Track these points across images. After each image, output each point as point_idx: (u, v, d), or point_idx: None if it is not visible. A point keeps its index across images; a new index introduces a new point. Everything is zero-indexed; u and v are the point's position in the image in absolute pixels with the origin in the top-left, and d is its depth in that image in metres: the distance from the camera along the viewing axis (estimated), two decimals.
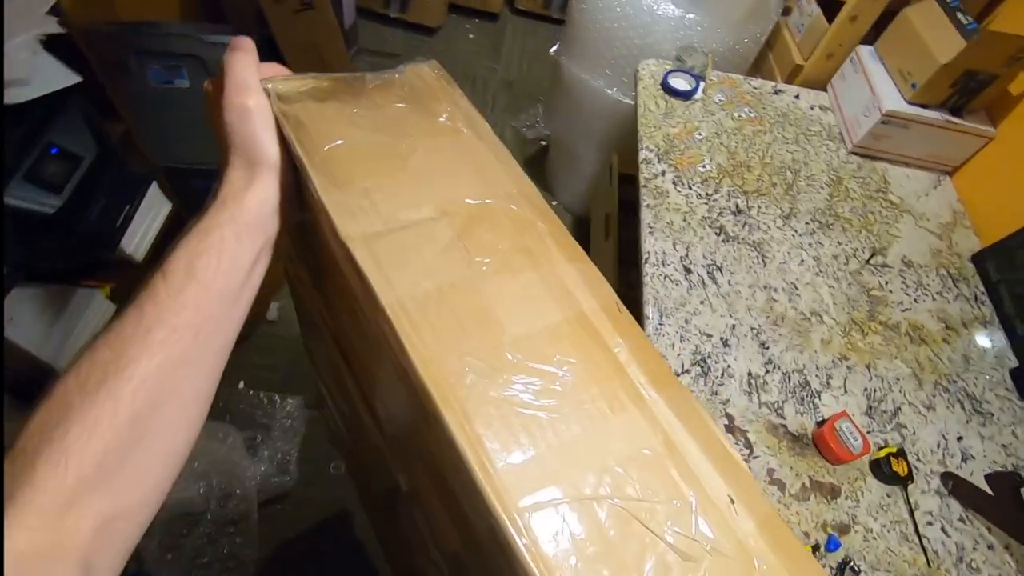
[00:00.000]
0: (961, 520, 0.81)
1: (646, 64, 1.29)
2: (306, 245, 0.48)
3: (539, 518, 0.28)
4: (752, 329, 0.93)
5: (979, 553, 0.79)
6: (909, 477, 0.81)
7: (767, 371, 0.89)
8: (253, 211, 0.37)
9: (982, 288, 1.04)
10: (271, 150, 0.38)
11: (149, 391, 0.31)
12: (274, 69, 0.41)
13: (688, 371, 0.87)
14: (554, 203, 1.95)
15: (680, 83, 1.24)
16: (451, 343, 0.32)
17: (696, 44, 1.33)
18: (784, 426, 0.85)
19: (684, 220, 1.04)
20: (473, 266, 0.36)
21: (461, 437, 0.30)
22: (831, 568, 0.75)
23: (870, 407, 0.88)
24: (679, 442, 0.34)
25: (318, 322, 0.58)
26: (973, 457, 0.86)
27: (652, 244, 0.99)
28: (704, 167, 1.12)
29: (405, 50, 2.27)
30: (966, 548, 0.79)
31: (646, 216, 1.03)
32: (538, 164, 2.00)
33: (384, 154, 0.40)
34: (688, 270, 0.97)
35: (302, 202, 0.40)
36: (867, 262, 1.05)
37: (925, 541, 0.78)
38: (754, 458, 0.81)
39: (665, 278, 0.96)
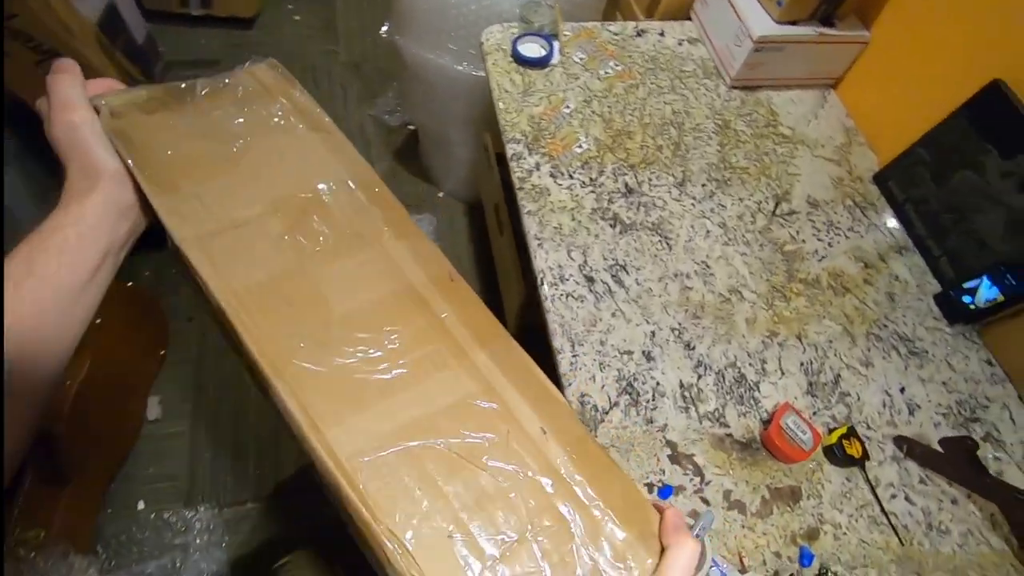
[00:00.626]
0: (922, 482, 0.77)
1: (490, 32, 1.12)
2: None
3: (368, 469, 0.32)
4: (673, 331, 0.83)
5: (944, 512, 0.76)
6: (864, 456, 0.75)
7: (699, 376, 0.80)
8: (95, 215, 0.39)
9: (890, 211, 0.99)
10: (107, 160, 0.40)
11: None
12: (105, 84, 0.44)
13: (616, 404, 0.77)
14: (440, 194, 1.77)
15: (532, 49, 1.09)
16: (282, 325, 0.36)
17: None
18: (730, 435, 0.77)
19: (573, 219, 0.91)
20: (304, 254, 0.39)
21: (293, 405, 0.33)
22: None
23: (810, 384, 0.82)
24: (499, 388, 0.38)
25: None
26: (919, 407, 0.82)
27: (544, 260, 0.87)
28: (580, 147, 0.99)
29: (224, 52, 1.95)
30: (932, 511, 0.76)
31: (530, 226, 0.90)
32: (411, 152, 1.79)
33: (214, 159, 0.42)
34: (590, 279, 0.86)
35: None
36: (773, 214, 0.97)
37: (893, 518, 0.74)
38: (706, 484, 0.73)
39: (567, 297, 0.84)
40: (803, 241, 0.95)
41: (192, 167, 0.42)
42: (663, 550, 0.36)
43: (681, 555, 0.35)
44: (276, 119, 0.46)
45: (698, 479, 0.74)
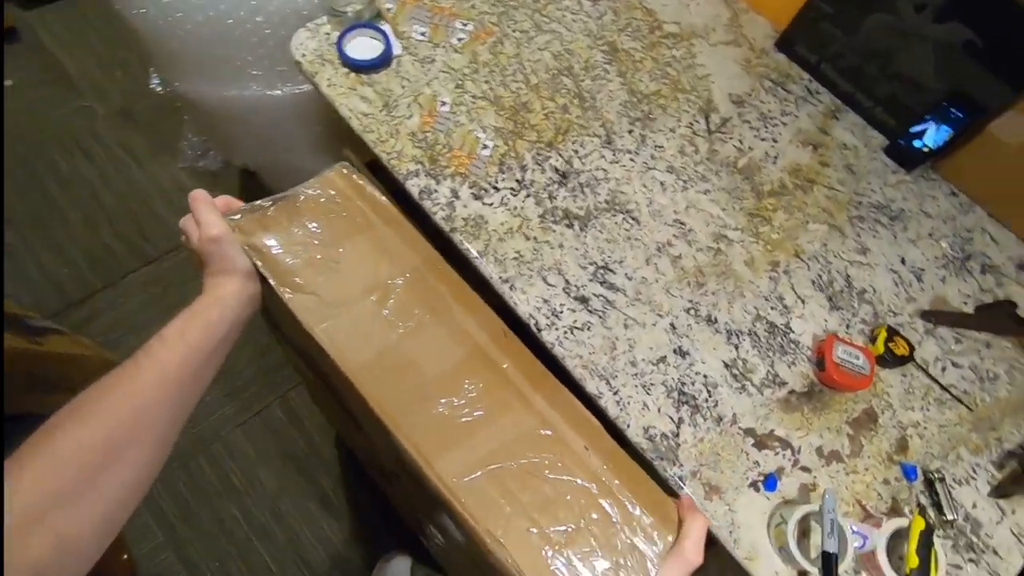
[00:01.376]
0: (957, 341, 0.79)
1: (299, 42, 0.87)
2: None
3: (466, 488, 0.46)
4: (687, 311, 0.76)
5: (987, 360, 0.79)
6: (911, 349, 0.75)
7: (736, 346, 0.75)
8: (232, 300, 0.52)
9: (808, 77, 0.93)
10: (241, 261, 0.54)
11: (129, 426, 0.40)
12: (225, 201, 0.57)
13: (681, 420, 0.69)
14: None
15: (364, 47, 0.86)
16: (392, 389, 0.49)
17: None
18: (792, 392, 0.73)
19: (528, 239, 0.77)
20: (395, 330, 0.53)
21: (410, 447, 0.47)
22: (922, 493, 0.70)
23: (830, 299, 0.79)
24: (551, 420, 0.51)
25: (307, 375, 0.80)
26: (923, 269, 0.83)
27: (525, 304, 0.73)
28: (486, 147, 0.82)
29: None
30: (977, 365, 0.79)
31: (490, 270, 0.75)
32: (260, 191, 1.44)
33: (322, 261, 0.55)
34: (582, 299, 0.74)
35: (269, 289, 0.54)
36: (710, 132, 0.88)
37: (953, 390, 0.76)
38: (799, 453, 0.70)
39: (571, 331, 0.72)
40: (750, 148, 0.88)
41: (308, 268, 0.54)
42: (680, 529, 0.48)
43: (693, 525, 0.49)
44: (357, 219, 0.59)
45: (789, 451, 0.71)
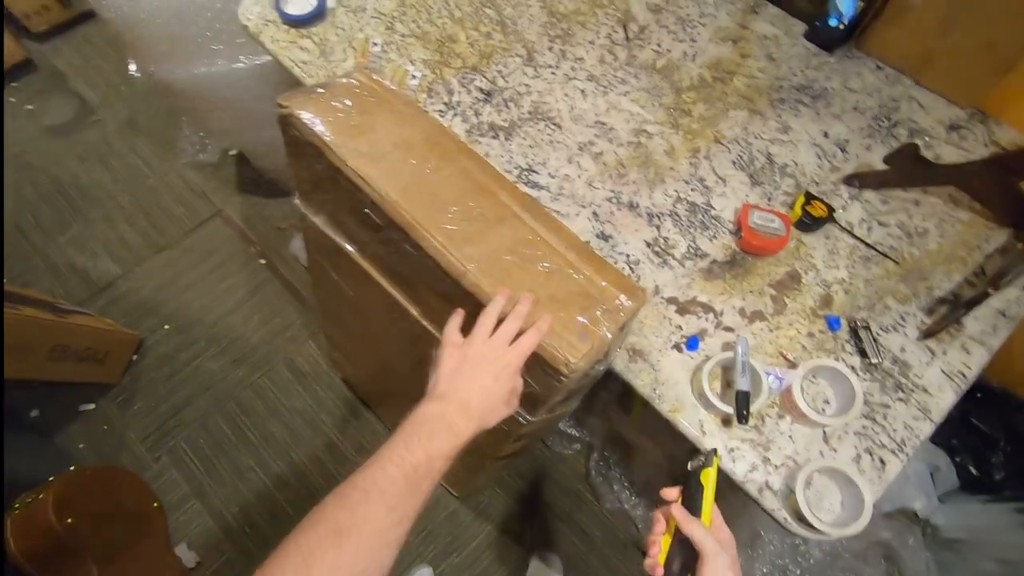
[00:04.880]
0: (884, 202, 0.82)
1: (246, 9, 0.98)
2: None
3: (474, 267, 0.60)
4: (609, 200, 0.81)
5: (915, 217, 0.82)
6: (830, 210, 0.78)
7: (657, 227, 0.79)
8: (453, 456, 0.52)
9: None
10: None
11: (368, 555, 0.44)
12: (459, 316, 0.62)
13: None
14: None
15: (301, 5, 0.95)
16: (422, 207, 0.62)
17: None
18: (714, 262, 0.78)
19: None
20: (421, 171, 0.65)
21: (436, 244, 0.61)
22: (847, 342, 0.72)
23: (751, 176, 0.84)
24: (539, 231, 0.64)
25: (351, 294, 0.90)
26: (847, 140, 0.87)
27: None
28: (414, 77, 0.90)
29: None
30: (904, 222, 0.81)
31: None
32: (253, 176, 1.58)
33: (358, 126, 0.67)
34: None
35: None
36: (627, 40, 0.93)
37: (879, 247, 0.78)
38: (721, 316, 0.75)
39: None
40: (668, 51, 0.93)
41: (350, 132, 0.66)
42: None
43: (696, 531, 0.51)
44: (382, 99, 0.70)
45: (711, 315, 0.75)
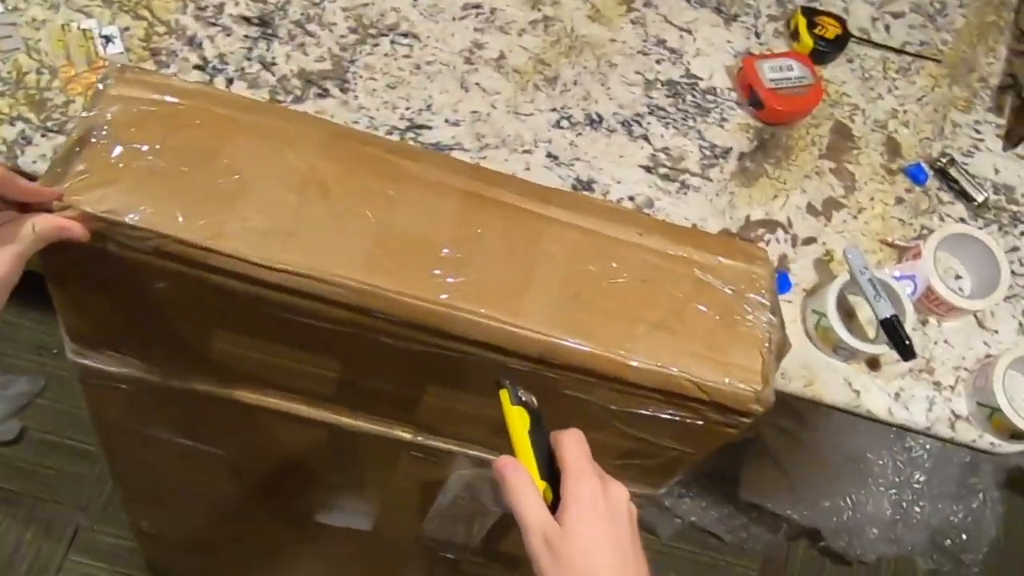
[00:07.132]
0: None
1: None
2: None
3: (535, 326, 0.38)
4: (557, 124, 0.52)
5: None
6: (843, 24, 0.57)
7: (644, 136, 0.52)
8: None
9: None
10: None
11: None
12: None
13: None
14: None
15: None
16: (409, 275, 0.39)
17: None
18: (742, 155, 0.55)
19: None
20: (364, 215, 0.40)
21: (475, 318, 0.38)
22: (939, 191, 0.55)
23: (719, 10, 0.61)
24: (589, 226, 0.42)
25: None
26: None
27: None
28: (111, 41, 0.49)
29: None
30: (917, 2, 0.59)
31: None
32: None
33: (216, 185, 0.40)
34: None
35: None
36: None
37: (909, 48, 0.59)
38: (790, 228, 0.52)
39: None
40: None
41: (205, 203, 0.42)
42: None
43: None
44: (210, 118, 0.44)
45: (780, 231, 0.54)
